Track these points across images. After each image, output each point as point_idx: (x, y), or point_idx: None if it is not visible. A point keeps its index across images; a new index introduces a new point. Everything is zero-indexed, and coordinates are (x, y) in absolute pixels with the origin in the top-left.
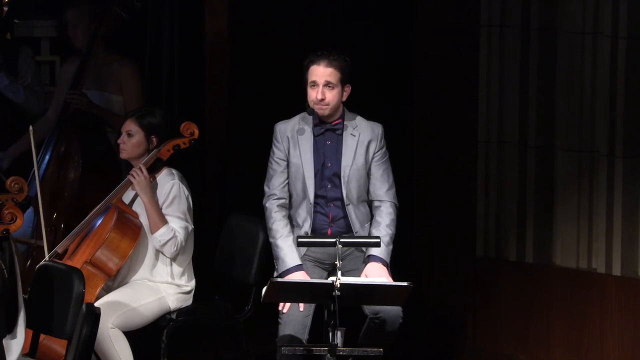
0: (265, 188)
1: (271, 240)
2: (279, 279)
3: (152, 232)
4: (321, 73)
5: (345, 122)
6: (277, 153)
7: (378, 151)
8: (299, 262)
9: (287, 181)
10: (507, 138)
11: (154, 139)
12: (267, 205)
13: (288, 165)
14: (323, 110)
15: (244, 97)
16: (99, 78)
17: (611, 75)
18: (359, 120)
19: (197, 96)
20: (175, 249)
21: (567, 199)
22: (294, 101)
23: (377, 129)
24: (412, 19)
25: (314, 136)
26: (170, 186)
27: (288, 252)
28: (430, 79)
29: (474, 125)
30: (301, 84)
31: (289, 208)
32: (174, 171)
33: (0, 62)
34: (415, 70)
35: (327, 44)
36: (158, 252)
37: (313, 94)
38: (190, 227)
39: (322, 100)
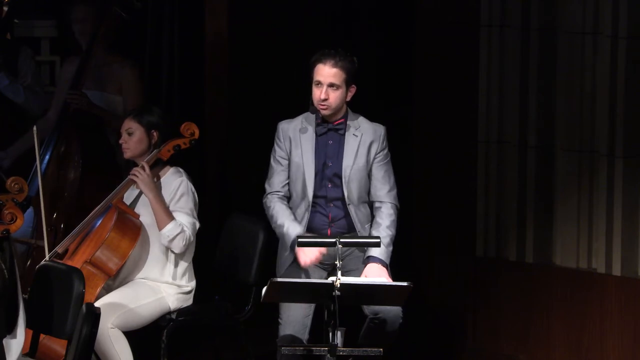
0: (266, 186)
1: (273, 225)
2: (279, 279)
3: (160, 229)
4: (326, 73)
5: (348, 122)
6: (279, 152)
7: (380, 152)
8: (300, 229)
9: (288, 180)
10: (507, 138)
11: (154, 134)
12: (265, 200)
13: (289, 165)
14: (325, 110)
15: (244, 97)
16: (99, 78)
17: (611, 75)
18: (362, 120)
19: (197, 96)
20: (184, 243)
21: (567, 199)
22: (294, 101)
23: (380, 130)
24: (412, 19)
25: (316, 136)
26: (178, 183)
27: (289, 225)
28: (430, 79)
29: (474, 125)
30: (301, 83)
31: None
32: (180, 170)
33: (0, 62)
34: (415, 70)
35: (327, 44)
36: (159, 252)
37: (317, 93)
38: (198, 224)
39: (325, 100)
